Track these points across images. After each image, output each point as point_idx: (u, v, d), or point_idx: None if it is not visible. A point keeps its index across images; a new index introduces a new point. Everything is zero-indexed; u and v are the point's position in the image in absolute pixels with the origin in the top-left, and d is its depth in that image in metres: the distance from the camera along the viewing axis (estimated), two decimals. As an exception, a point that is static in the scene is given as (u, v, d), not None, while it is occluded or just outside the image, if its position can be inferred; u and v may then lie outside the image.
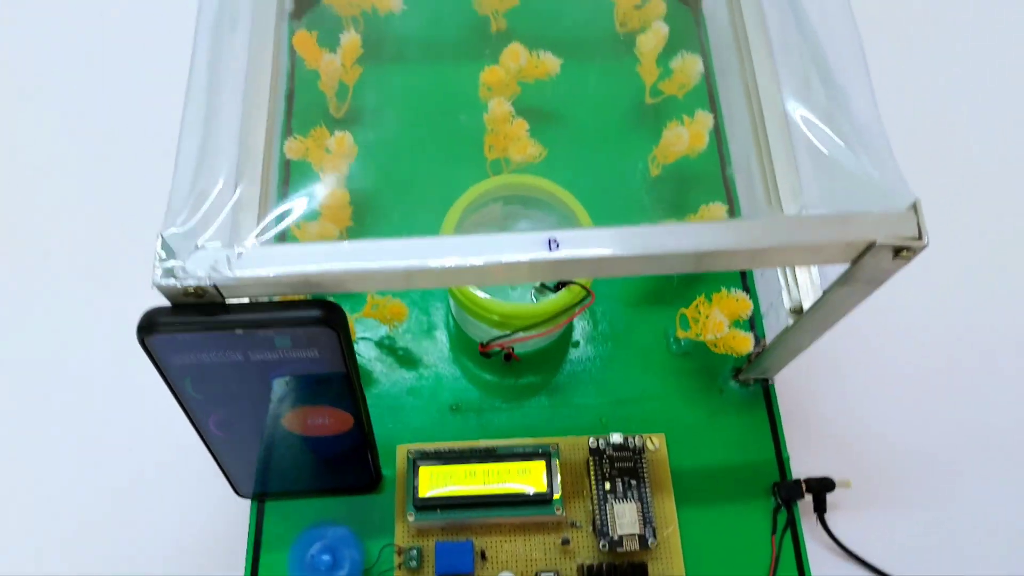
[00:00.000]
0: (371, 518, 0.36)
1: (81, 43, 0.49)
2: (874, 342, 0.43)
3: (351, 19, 0.47)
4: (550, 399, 0.39)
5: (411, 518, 0.35)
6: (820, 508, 0.37)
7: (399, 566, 0.35)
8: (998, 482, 0.40)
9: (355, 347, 0.39)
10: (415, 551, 0.35)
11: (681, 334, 0.40)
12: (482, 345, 0.37)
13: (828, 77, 0.32)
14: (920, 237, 0.26)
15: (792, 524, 0.37)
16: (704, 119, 0.41)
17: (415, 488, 0.34)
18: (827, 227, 0.26)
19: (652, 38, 0.43)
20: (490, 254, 0.25)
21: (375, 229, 0.42)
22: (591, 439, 0.36)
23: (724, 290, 0.37)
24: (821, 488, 0.37)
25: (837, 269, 0.29)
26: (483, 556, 0.35)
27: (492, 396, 0.39)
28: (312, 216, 0.39)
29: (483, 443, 0.36)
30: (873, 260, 0.26)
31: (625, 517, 0.35)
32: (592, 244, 0.25)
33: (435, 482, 0.35)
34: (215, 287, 0.25)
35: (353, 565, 0.34)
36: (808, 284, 0.33)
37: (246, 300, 0.26)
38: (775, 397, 0.39)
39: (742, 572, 0.36)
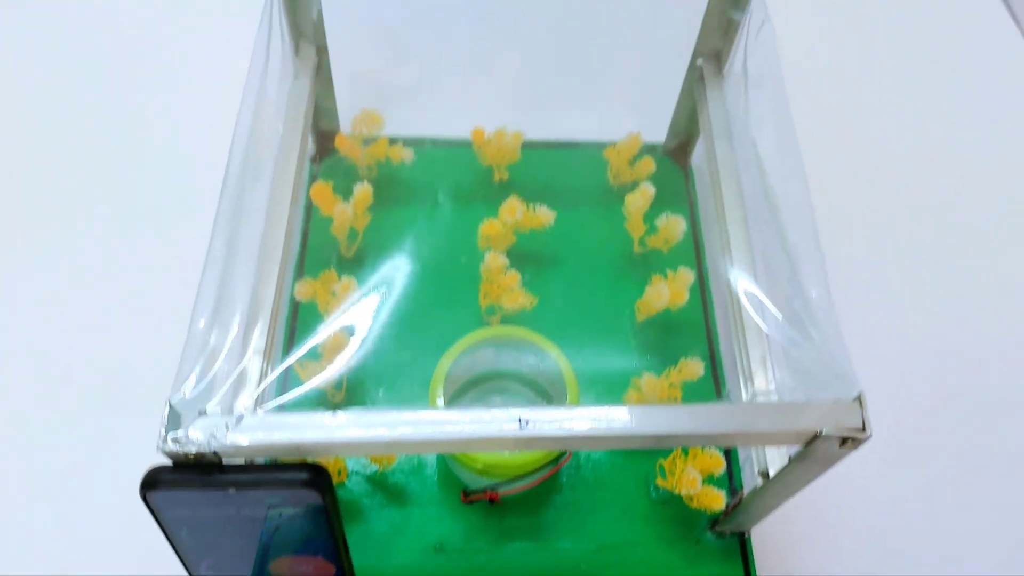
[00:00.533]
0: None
1: (113, 185, 0.54)
2: (853, 494, 0.44)
3: (366, 167, 0.51)
4: (533, 543, 0.41)
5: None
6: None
7: None
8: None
9: (345, 483, 0.41)
10: None
11: (660, 482, 0.41)
12: (464, 494, 0.38)
13: (789, 256, 0.35)
14: (863, 429, 0.28)
15: None
16: (685, 276, 0.44)
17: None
18: (777, 416, 0.28)
19: (639, 198, 0.46)
20: (465, 429, 0.27)
21: (374, 370, 0.44)
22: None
23: (700, 446, 0.39)
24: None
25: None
26: None
27: (476, 537, 0.40)
28: (315, 356, 0.42)
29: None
30: (822, 447, 0.28)
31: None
32: (559, 423, 0.28)
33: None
34: (213, 452, 0.27)
35: None
36: (775, 450, 0.35)
37: (242, 460, 0.29)
38: (751, 549, 0.40)
39: None
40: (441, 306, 0.47)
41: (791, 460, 0.32)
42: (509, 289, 0.44)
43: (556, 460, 0.37)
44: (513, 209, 0.46)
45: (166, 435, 0.27)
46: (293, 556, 0.32)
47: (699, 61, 0.47)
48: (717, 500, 0.38)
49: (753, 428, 0.28)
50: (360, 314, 0.43)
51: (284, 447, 0.27)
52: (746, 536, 0.41)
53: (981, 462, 0.46)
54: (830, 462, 0.30)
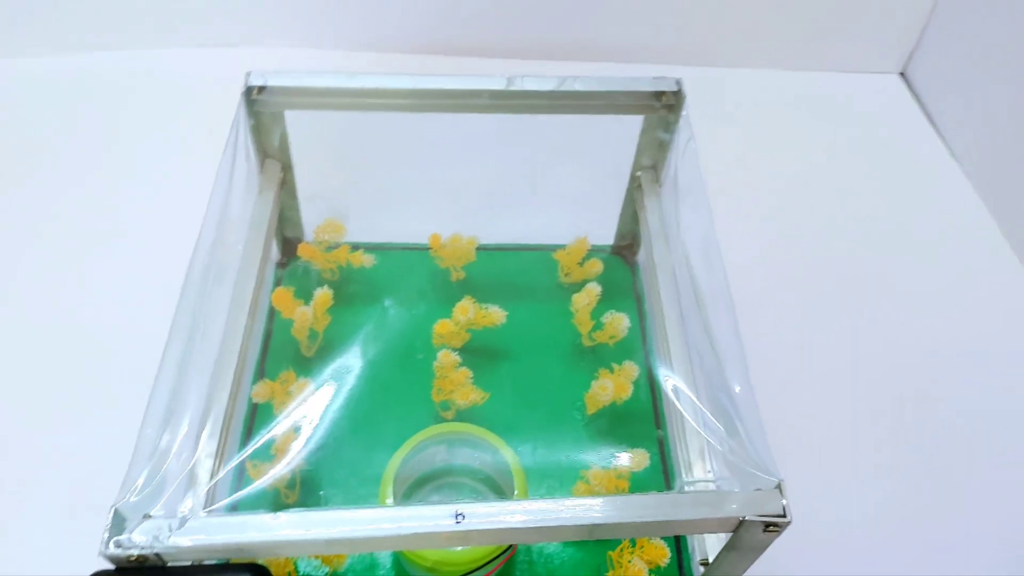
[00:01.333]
0: None
1: (71, 283, 0.56)
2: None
3: (328, 271, 0.53)
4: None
5: None
6: None
7: None
8: None
9: (299, 586, 0.41)
10: None
11: (611, 575, 0.42)
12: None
13: (715, 352, 0.37)
14: (784, 515, 0.29)
15: None
16: (630, 370, 0.46)
17: None
18: (702, 505, 0.29)
19: (585, 296, 0.49)
20: (404, 526, 0.29)
21: (328, 468, 0.45)
22: None
23: (626, 542, 0.40)
24: None
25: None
26: None
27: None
28: (267, 457, 0.43)
29: None
30: (747, 533, 0.30)
31: None
32: (494, 516, 0.29)
33: None
34: (156, 554, 0.28)
35: None
36: (714, 539, 0.36)
37: (189, 562, 0.29)
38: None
39: None
40: (396, 403, 0.48)
41: (724, 548, 0.33)
42: (461, 385, 0.45)
43: (503, 553, 0.38)
44: (465, 309, 0.48)
45: (108, 539, 0.28)
46: (236, 661, 0.32)
47: (638, 173, 0.51)
48: (665, 593, 0.39)
49: (679, 517, 0.29)
50: (313, 413, 0.44)
51: (227, 548, 0.28)
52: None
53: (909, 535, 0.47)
54: (758, 549, 0.31)
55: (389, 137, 0.52)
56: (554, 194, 0.57)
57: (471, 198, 0.56)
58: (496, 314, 0.48)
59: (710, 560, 0.36)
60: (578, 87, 0.44)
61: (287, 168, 0.50)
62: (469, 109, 0.45)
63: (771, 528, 0.29)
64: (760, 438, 0.32)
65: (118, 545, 0.28)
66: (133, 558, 0.28)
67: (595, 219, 0.54)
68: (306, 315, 0.48)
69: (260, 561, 0.30)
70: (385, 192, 0.54)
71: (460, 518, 0.29)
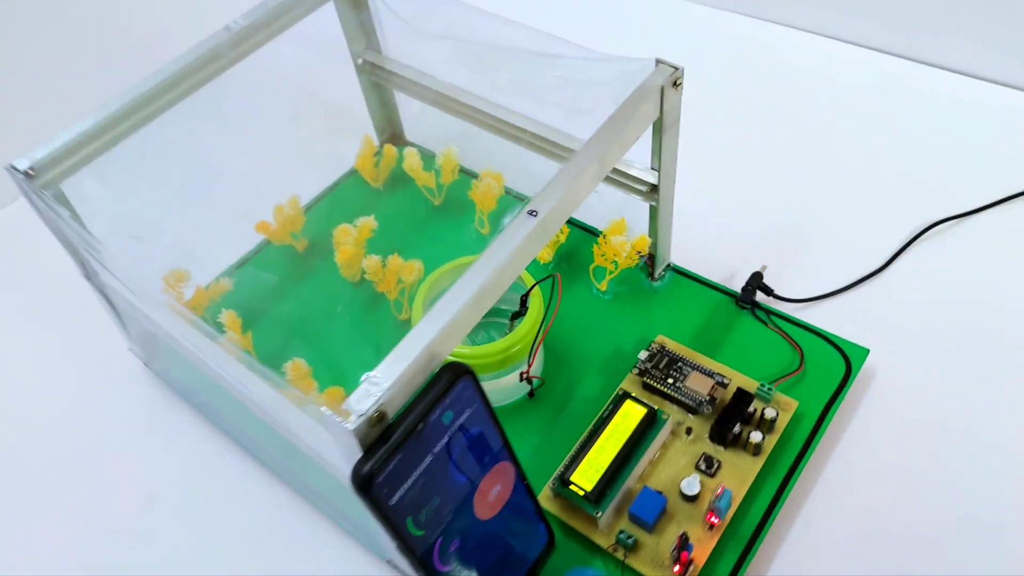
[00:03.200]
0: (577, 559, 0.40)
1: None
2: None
3: (200, 319, 0.51)
4: (578, 385, 0.47)
5: (599, 516, 0.39)
6: (768, 291, 0.50)
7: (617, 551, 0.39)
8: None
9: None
10: (622, 534, 0.39)
11: (601, 287, 0.51)
12: (521, 376, 0.44)
13: (537, 54, 0.46)
14: (676, 68, 0.40)
15: (765, 311, 0.49)
16: (488, 173, 0.54)
17: (589, 497, 0.40)
18: (636, 102, 0.39)
19: (412, 158, 0.55)
20: (511, 246, 0.34)
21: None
22: (633, 370, 0.45)
23: (603, 231, 0.50)
24: (757, 281, 0.50)
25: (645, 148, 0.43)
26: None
27: (544, 432, 0.45)
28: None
29: (585, 432, 0.43)
30: (668, 102, 0.41)
31: (699, 384, 0.44)
32: (556, 190, 0.36)
33: (588, 477, 0.40)
34: (383, 402, 0.30)
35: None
36: (637, 170, 0.46)
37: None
38: (682, 267, 0.52)
39: (771, 352, 0.47)
40: (371, 341, 0.50)
41: (657, 143, 0.43)
42: (401, 268, 0.49)
43: (555, 290, 0.44)
44: (346, 231, 0.52)
45: (347, 422, 0.29)
46: (483, 480, 0.34)
47: (359, 61, 0.57)
48: (644, 240, 0.49)
49: (634, 116, 0.39)
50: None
51: (423, 359, 0.31)
52: (672, 264, 0.52)
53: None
54: (678, 115, 0.42)
55: (159, 156, 0.51)
56: (325, 117, 0.61)
57: (262, 170, 0.58)
58: (368, 222, 0.53)
59: (652, 180, 0.46)
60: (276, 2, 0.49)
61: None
62: (217, 72, 0.47)
63: (678, 83, 0.41)
64: (609, 57, 0.42)
65: (359, 415, 0.29)
66: (374, 416, 0.29)
67: (366, 114, 0.60)
68: (234, 340, 0.47)
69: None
70: (193, 214, 0.53)
71: (534, 213, 0.35)
